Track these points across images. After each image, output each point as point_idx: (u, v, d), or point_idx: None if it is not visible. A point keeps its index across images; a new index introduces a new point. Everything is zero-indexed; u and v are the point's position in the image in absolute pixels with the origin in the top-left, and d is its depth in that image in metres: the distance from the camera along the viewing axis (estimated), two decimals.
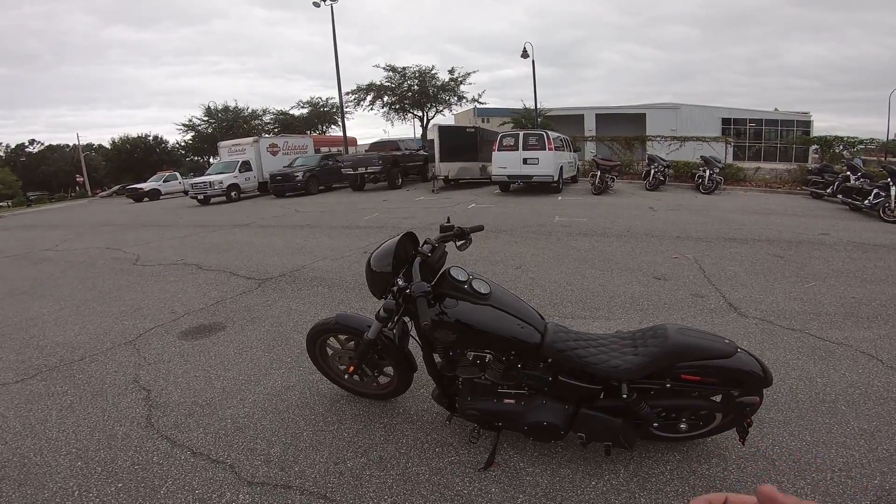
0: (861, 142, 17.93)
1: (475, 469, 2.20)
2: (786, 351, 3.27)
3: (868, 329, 3.60)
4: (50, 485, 2.20)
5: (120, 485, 2.18)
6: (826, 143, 18.14)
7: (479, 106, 30.64)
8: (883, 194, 8.89)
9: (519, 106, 27.30)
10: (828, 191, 11.75)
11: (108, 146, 45.13)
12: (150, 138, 42.62)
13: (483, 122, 31.31)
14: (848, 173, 11.21)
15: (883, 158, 19.10)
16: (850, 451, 2.21)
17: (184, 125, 38.89)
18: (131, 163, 40.07)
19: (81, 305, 5.00)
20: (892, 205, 8.59)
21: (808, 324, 3.73)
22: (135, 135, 42.28)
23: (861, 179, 10.44)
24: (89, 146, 52.06)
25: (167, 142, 43.63)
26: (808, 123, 34.10)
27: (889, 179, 8.96)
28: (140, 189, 25.48)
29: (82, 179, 43.50)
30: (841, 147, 17.53)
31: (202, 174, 20.38)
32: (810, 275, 5.06)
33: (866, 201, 9.29)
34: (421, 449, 2.37)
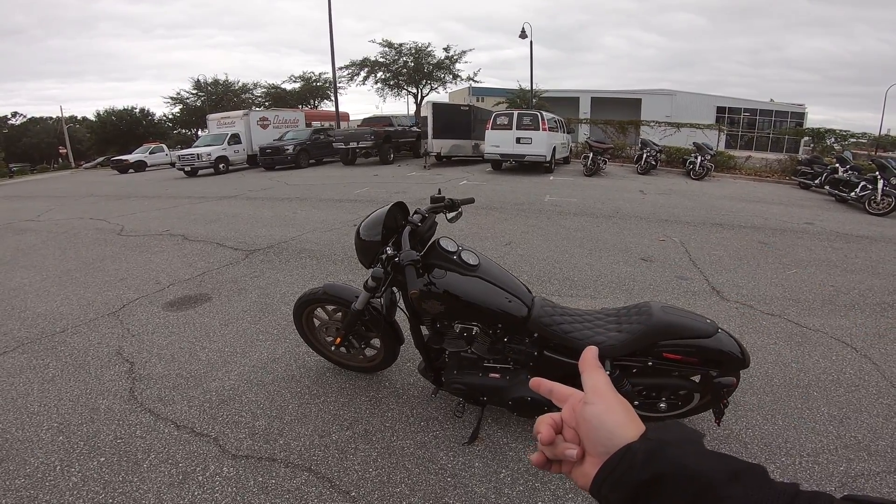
0: (853, 135, 18.04)
1: (460, 443, 2.23)
2: (764, 335, 3.33)
3: (845, 317, 3.69)
4: (31, 460, 2.16)
5: (102, 459, 2.16)
6: (818, 135, 18.22)
7: (474, 85, 30.32)
8: (870, 187, 8.99)
9: (516, 87, 27.05)
10: (816, 182, 11.87)
11: (93, 119, 43.89)
12: (137, 111, 41.54)
13: (478, 101, 30.90)
14: (837, 165, 11.32)
15: (873, 153, 19.28)
16: (819, 436, 2.28)
17: (171, 98, 38.16)
18: (116, 135, 39.07)
19: (64, 276, 4.92)
20: (878, 198, 8.71)
21: (787, 310, 3.80)
22: (121, 107, 41.26)
23: (849, 172, 10.55)
24: (72, 118, 50.67)
25: (154, 114, 42.60)
26: (802, 115, 34.21)
27: (878, 172, 9.06)
28: (125, 160, 24.87)
29: (65, 151, 42.44)
30: (833, 140, 17.65)
31: (190, 147, 19.99)
32: (793, 262, 5.14)
33: (853, 193, 9.40)
34: (406, 423, 2.39)
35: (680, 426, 0.47)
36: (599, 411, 0.48)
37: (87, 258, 5.59)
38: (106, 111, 41.16)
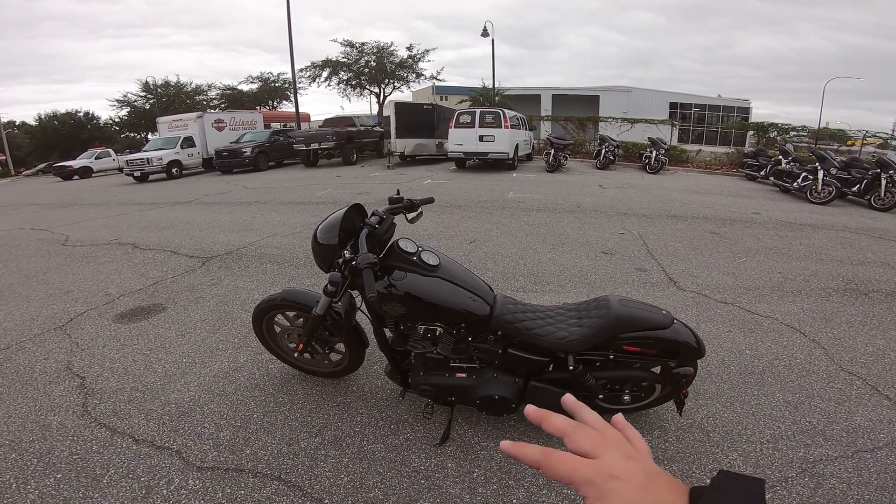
0: (794, 128, 19.13)
1: (431, 445, 2.22)
2: (718, 323, 3.48)
3: (793, 303, 3.89)
4: None
5: (59, 475, 2.07)
6: (762, 128, 19.24)
7: (437, 83, 30.32)
8: (811, 178, 9.54)
9: (480, 85, 27.23)
10: (761, 173, 12.49)
11: (33, 123, 41.21)
12: (81, 114, 39.33)
13: (442, 99, 30.94)
14: (780, 157, 11.97)
15: (814, 144, 20.47)
16: (776, 422, 2.37)
17: (118, 101, 36.40)
18: (59, 140, 36.88)
19: (5, 290, 4.61)
20: (819, 187, 9.25)
21: (739, 297, 3.98)
22: (64, 110, 38.97)
23: (791, 163, 11.17)
24: (10, 123, 47.44)
25: (99, 118, 40.42)
26: (747, 110, 36.01)
27: (818, 164, 9.62)
28: (69, 167, 23.46)
29: (4, 158, 39.76)
30: (775, 133, 18.65)
31: (139, 151, 19.12)
32: (742, 251, 5.40)
33: (795, 184, 9.96)
34: (376, 426, 2.37)
35: (735, 485, 0.37)
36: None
37: (29, 271, 5.25)
38: (47, 115, 38.84)
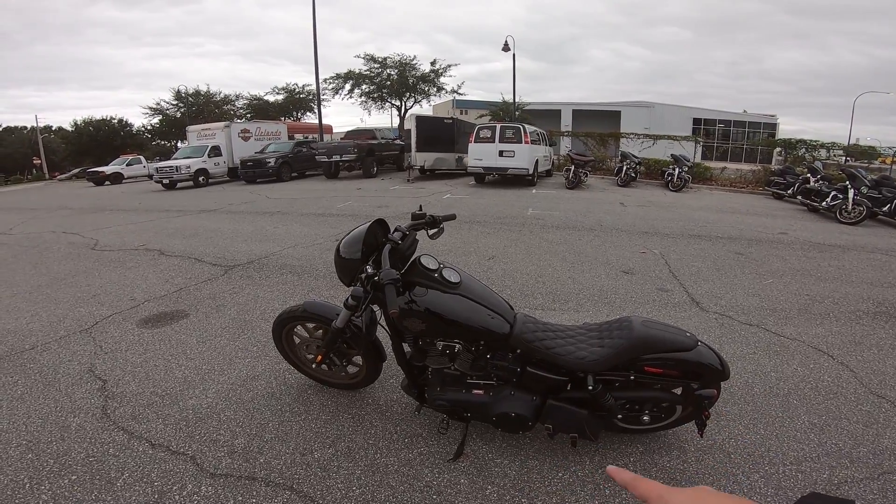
0: (822, 145, 18.65)
1: (444, 460, 2.20)
2: (743, 345, 3.38)
3: (820, 325, 3.77)
4: (0, 478, 2.10)
5: (74, 477, 2.10)
6: (790, 145, 18.81)
7: (458, 98, 30.63)
8: (841, 196, 9.27)
9: (500, 99, 27.42)
10: (788, 192, 12.20)
11: (69, 129, 43.04)
12: (115, 121, 40.92)
13: (462, 113, 31.24)
14: (808, 175, 11.68)
15: (843, 162, 19.95)
16: (801, 444, 2.30)
17: (150, 108, 37.75)
18: (93, 146, 38.42)
19: (34, 291, 4.76)
20: (849, 207, 8.98)
21: (765, 319, 3.87)
22: (99, 117, 40.64)
23: (820, 182, 10.88)
24: (48, 128, 49.61)
25: (132, 125, 42.00)
26: (773, 126, 35.42)
27: (847, 182, 9.35)
28: (101, 172, 24.41)
29: (39, 162, 41.46)
30: (803, 150, 18.22)
31: (169, 159, 19.74)
32: (768, 272, 5.26)
33: (824, 203, 9.69)
34: (390, 440, 2.36)
35: None
36: None
37: (58, 273, 5.42)
38: (83, 121, 40.52)
